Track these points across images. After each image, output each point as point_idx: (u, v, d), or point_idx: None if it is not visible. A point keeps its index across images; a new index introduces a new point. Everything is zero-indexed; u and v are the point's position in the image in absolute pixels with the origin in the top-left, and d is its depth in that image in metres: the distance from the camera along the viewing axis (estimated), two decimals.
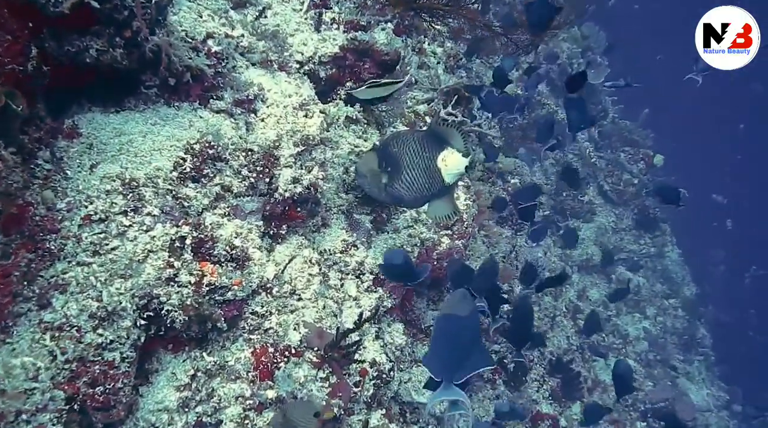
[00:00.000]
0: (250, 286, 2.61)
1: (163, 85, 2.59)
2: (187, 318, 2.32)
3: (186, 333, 2.41)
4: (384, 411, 3.09)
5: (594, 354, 7.61)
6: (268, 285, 2.71)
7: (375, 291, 3.28)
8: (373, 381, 3.03)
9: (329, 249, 3.20)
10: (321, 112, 3.01)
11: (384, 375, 3.08)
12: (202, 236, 2.42)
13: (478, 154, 5.50)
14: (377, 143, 3.33)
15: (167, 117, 2.59)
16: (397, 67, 3.76)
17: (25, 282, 2.10)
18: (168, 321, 2.30)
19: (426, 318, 4.07)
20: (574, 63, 10.86)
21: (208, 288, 2.38)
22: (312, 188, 2.89)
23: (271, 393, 2.50)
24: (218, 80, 2.76)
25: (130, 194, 2.30)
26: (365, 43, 3.59)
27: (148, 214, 2.31)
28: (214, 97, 2.76)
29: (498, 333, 5.34)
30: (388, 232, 3.53)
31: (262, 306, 2.67)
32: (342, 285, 3.18)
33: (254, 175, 2.72)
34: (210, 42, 2.72)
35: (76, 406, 2.05)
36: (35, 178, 2.21)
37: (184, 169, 2.49)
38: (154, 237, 2.29)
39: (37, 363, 1.96)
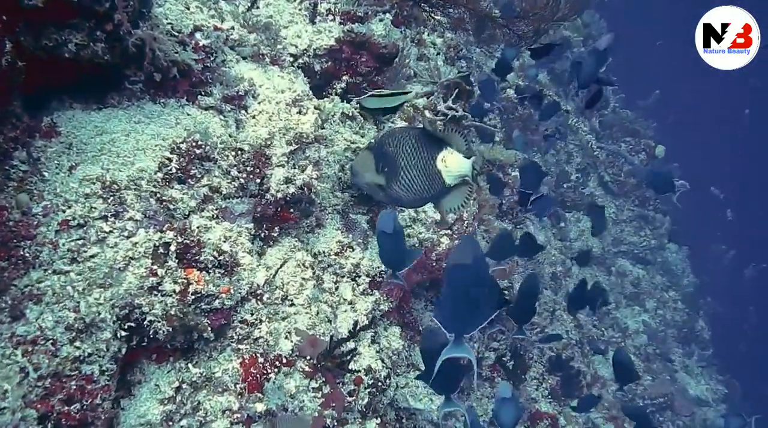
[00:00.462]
0: (239, 293, 2.48)
1: (149, 81, 2.45)
2: (171, 329, 2.19)
3: (170, 343, 2.28)
4: (379, 420, 2.97)
5: (594, 349, 7.51)
6: (259, 292, 2.58)
7: (371, 294, 3.16)
8: (369, 390, 2.91)
9: (324, 251, 3.07)
10: (315, 108, 2.88)
11: (380, 383, 2.96)
12: (188, 241, 2.29)
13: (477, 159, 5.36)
14: (372, 141, 3.19)
15: (152, 114, 2.45)
16: (396, 59, 3.62)
17: None
18: (151, 332, 2.17)
19: (424, 320, 3.95)
20: (576, 51, 10.74)
21: (193, 297, 2.25)
22: (306, 188, 2.76)
23: (260, 406, 2.37)
24: (207, 75, 2.63)
25: (111, 198, 2.17)
26: (362, 36, 3.45)
27: (130, 218, 2.18)
28: (203, 93, 2.63)
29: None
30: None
31: (252, 314, 2.55)
32: (337, 289, 3.06)
33: (244, 175, 2.59)
34: (198, 35, 2.58)
35: (50, 425, 1.92)
36: (10, 180, 2.08)
37: (170, 169, 2.36)
38: (136, 243, 2.16)
39: (3, 385, 1.84)
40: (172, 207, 2.33)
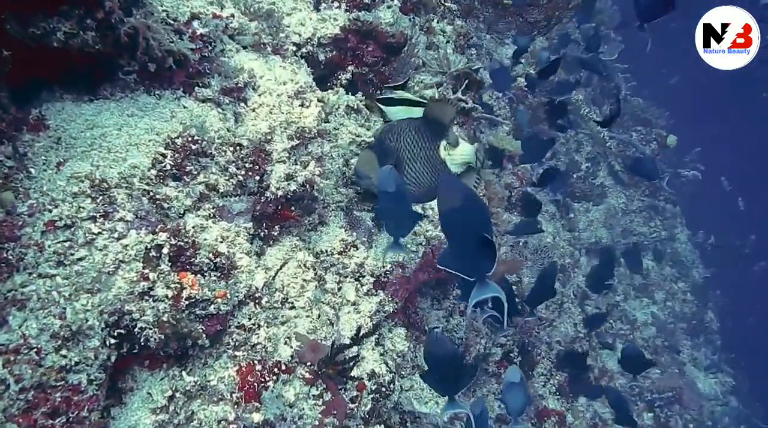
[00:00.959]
0: (237, 297, 2.36)
1: (143, 71, 2.32)
2: (163, 337, 2.08)
3: (163, 350, 2.16)
4: (382, 427, 2.85)
5: (602, 344, 7.41)
6: (257, 295, 2.45)
7: (376, 295, 3.04)
8: (372, 395, 2.80)
9: (326, 250, 2.95)
10: (319, 100, 2.75)
11: (383, 389, 2.85)
12: (182, 243, 2.17)
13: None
14: (372, 139, 3.07)
15: (146, 107, 2.33)
16: (404, 49, 3.48)
17: None
18: (142, 339, 2.05)
19: (430, 319, 3.83)
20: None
21: (187, 303, 2.13)
22: (308, 185, 2.63)
23: (257, 417, 2.26)
24: (204, 66, 2.49)
25: (100, 197, 2.04)
26: (369, 24, 3.31)
27: (121, 219, 2.05)
28: (200, 85, 2.49)
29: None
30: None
31: (250, 319, 2.42)
32: (340, 290, 2.94)
33: (243, 172, 2.47)
34: (195, 23, 2.44)
35: None
36: None
37: (164, 166, 2.23)
38: (127, 246, 2.04)
39: None
40: (166, 206, 2.21)
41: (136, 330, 2.03)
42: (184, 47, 2.36)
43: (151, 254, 2.08)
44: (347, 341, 2.74)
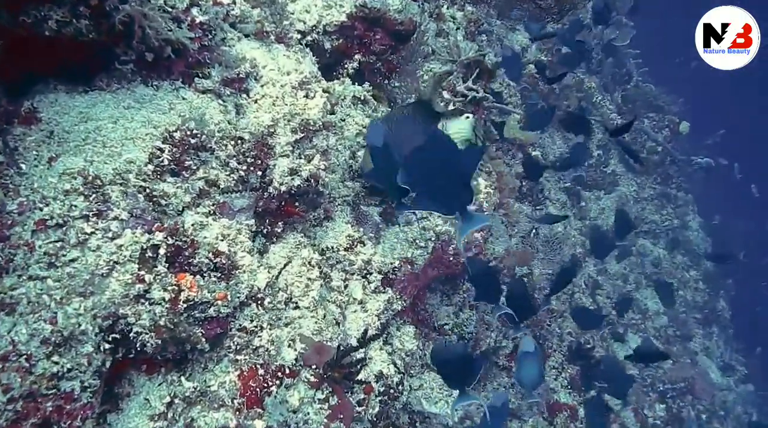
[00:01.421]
0: (238, 298, 2.26)
1: (140, 61, 2.21)
2: (160, 342, 1.98)
3: (161, 354, 2.06)
4: None
5: (613, 335, 7.31)
6: (260, 296, 2.35)
7: (383, 292, 2.94)
8: (380, 398, 2.70)
9: (332, 247, 2.85)
10: (324, 91, 2.64)
11: (392, 390, 2.75)
12: (180, 242, 2.07)
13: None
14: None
15: (143, 98, 2.22)
16: (413, 36, 3.35)
17: None
18: (138, 344, 1.95)
19: (440, 315, 3.73)
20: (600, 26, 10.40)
21: (186, 305, 2.03)
22: (312, 180, 2.52)
23: (259, 424, 2.16)
24: (204, 55, 2.38)
25: (94, 194, 1.94)
26: (376, 11, 3.18)
27: (115, 218, 1.95)
28: (200, 75, 2.38)
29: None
30: (399, 225, 3.16)
31: (252, 321, 2.32)
32: (346, 287, 2.84)
33: (245, 166, 2.36)
34: (194, 11, 2.32)
35: None
36: None
37: (162, 161, 2.13)
38: (122, 246, 1.93)
39: None
40: (163, 203, 2.11)
41: (131, 335, 1.93)
42: (183, 36, 2.25)
43: (147, 255, 1.98)
44: (354, 341, 2.65)
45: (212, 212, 2.26)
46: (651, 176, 10.56)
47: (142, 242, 1.97)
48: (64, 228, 1.89)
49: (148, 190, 2.07)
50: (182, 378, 2.14)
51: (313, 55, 2.90)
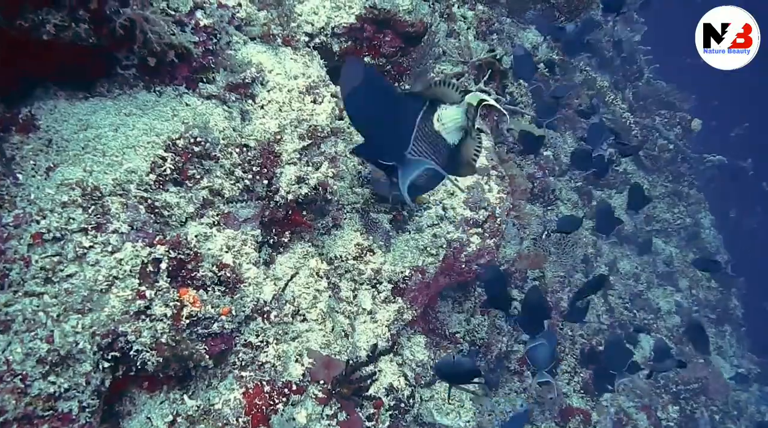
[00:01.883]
0: (243, 312, 2.18)
1: (143, 65, 2.13)
2: (161, 359, 1.90)
3: (163, 371, 1.99)
4: None
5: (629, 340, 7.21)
6: (266, 309, 2.27)
7: (394, 302, 2.86)
8: (390, 412, 2.62)
9: (341, 256, 2.77)
10: (333, 95, 2.55)
11: (402, 404, 2.67)
12: (183, 255, 1.99)
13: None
14: None
15: (146, 105, 2.14)
16: (423, 38, 3.27)
17: None
18: (138, 362, 1.88)
19: (451, 323, 3.65)
20: (610, 20, 10.29)
21: (188, 321, 1.95)
22: (320, 188, 2.44)
23: None
24: (209, 60, 2.29)
25: (93, 206, 1.87)
26: (386, 12, 3.09)
27: (115, 231, 1.87)
28: (204, 80, 2.30)
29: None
30: (410, 232, 3.08)
31: (257, 336, 2.24)
32: (355, 297, 2.76)
33: (250, 175, 2.28)
34: (198, 14, 2.23)
35: None
36: None
37: (164, 170, 2.05)
38: (121, 260, 1.86)
39: None
40: (166, 214, 2.03)
41: (131, 353, 1.86)
42: (186, 40, 2.16)
43: (148, 269, 1.91)
44: (363, 353, 2.57)
45: (216, 223, 2.18)
46: (663, 174, 10.45)
47: (143, 256, 1.90)
48: (61, 242, 1.82)
49: (149, 201, 1.99)
50: (185, 396, 2.07)
51: (322, 58, 2.81)
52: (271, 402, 2.17)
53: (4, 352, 1.69)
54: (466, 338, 3.80)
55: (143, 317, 1.87)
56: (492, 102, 2.38)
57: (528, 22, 5.92)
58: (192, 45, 2.18)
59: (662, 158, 10.35)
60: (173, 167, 2.07)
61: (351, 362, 2.37)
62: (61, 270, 1.80)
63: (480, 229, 3.29)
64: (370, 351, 2.49)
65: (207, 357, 2.02)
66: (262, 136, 2.32)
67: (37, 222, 1.81)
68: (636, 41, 10.81)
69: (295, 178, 2.37)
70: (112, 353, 1.84)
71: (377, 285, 2.85)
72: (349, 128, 2.81)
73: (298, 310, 2.41)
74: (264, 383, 2.19)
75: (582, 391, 5.82)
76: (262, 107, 2.40)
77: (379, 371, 2.64)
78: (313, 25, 3.03)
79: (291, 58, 2.60)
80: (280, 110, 2.40)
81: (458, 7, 4.38)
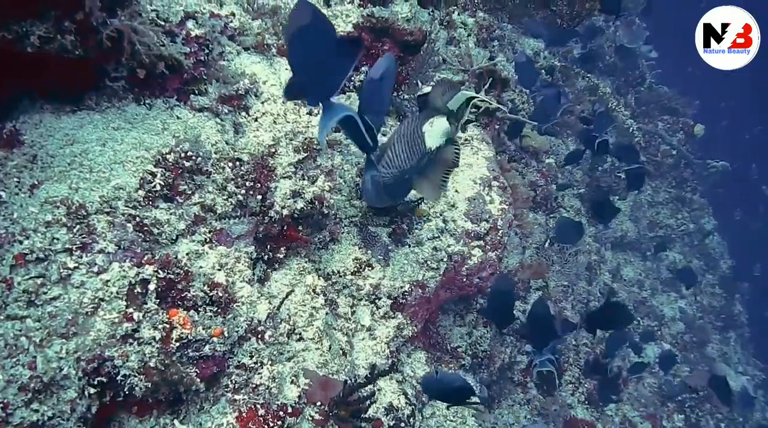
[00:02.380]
0: (237, 332, 2.10)
1: (132, 77, 2.06)
2: (150, 385, 1.82)
3: (152, 396, 1.91)
4: None
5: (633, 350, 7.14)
6: (260, 329, 2.19)
7: (393, 318, 2.78)
8: None
9: (338, 271, 2.69)
10: None
11: (402, 424, 2.59)
12: (173, 275, 1.92)
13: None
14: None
15: (135, 118, 2.06)
16: (423, 47, 3.19)
17: None
18: (126, 388, 1.80)
19: (452, 337, 3.57)
20: (612, 25, 10.24)
21: (178, 344, 1.88)
22: (317, 202, 2.37)
23: None
24: (201, 71, 2.22)
25: (78, 226, 1.79)
26: (384, 20, 3.02)
27: (101, 250, 1.80)
28: (196, 92, 2.23)
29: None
30: (409, 245, 3.00)
31: (251, 357, 2.16)
32: (353, 314, 2.68)
33: (243, 190, 2.21)
34: (189, 24, 2.17)
35: None
36: None
37: (154, 186, 1.97)
38: (108, 281, 1.79)
39: None
40: (156, 231, 1.95)
41: (119, 377, 1.79)
42: (176, 51, 2.10)
43: (135, 290, 1.83)
44: (362, 370, 2.49)
45: (209, 240, 2.11)
46: (666, 179, 10.39)
47: (131, 277, 1.82)
48: (45, 263, 1.74)
49: (138, 219, 1.91)
50: (176, 421, 1.99)
51: None
52: (266, 426, 2.09)
53: None
54: (468, 352, 3.72)
55: (131, 340, 1.80)
56: (481, 98, 2.33)
57: (529, 33, 5.85)
58: (182, 56, 2.11)
59: (665, 164, 10.28)
60: (163, 183, 2.00)
61: (349, 382, 2.29)
62: (45, 293, 1.72)
63: (481, 242, 3.20)
64: (369, 371, 2.41)
65: (198, 380, 1.94)
66: (256, 150, 2.25)
67: (20, 242, 1.73)
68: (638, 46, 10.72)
69: (290, 192, 2.29)
70: (99, 378, 1.76)
71: (376, 301, 2.77)
72: (346, 140, 2.74)
73: (294, 329, 2.33)
74: (258, 406, 2.11)
75: (586, 402, 5.74)
76: (255, 119, 2.34)
77: (378, 390, 2.57)
78: None
79: (286, 69, 2.53)
80: (275, 122, 2.33)
81: (458, 14, 4.31)
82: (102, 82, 2.05)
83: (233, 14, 2.43)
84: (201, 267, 2.03)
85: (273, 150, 2.28)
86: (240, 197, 2.20)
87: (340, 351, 2.45)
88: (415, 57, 3.26)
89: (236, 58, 2.42)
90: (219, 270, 2.07)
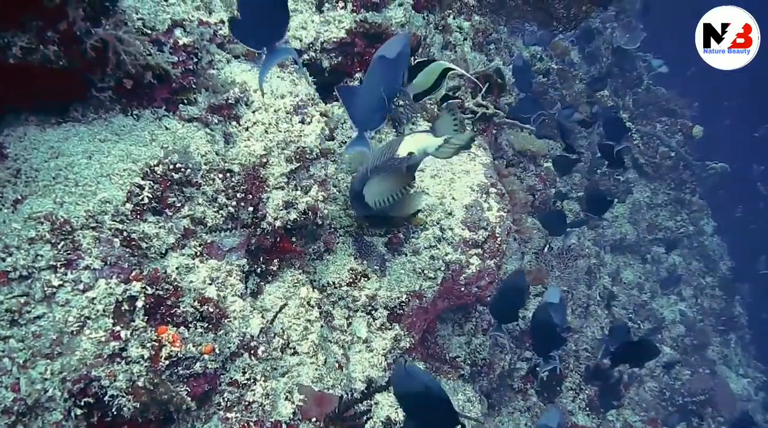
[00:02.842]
0: (229, 348, 2.05)
1: (119, 87, 2.01)
2: (138, 405, 1.77)
3: (141, 416, 1.85)
4: None
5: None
6: (253, 344, 2.14)
7: (390, 329, 2.73)
8: None
9: (333, 282, 2.65)
10: (322, 114, 2.43)
11: None
12: (162, 291, 1.86)
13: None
14: None
15: (122, 130, 2.01)
16: (417, 52, 3.14)
17: None
18: (114, 408, 1.75)
19: (451, 346, 3.51)
20: (608, 27, 10.23)
21: (168, 362, 1.82)
22: (310, 213, 2.32)
23: None
24: (190, 80, 2.17)
25: (62, 242, 1.74)
26: (377, 26, 2.98)
27: (86, 267, 1.75)
28: (185, 102, 2.17)
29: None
30: (406, 255, 2.94)
31: (244, 373, 2.10)
32: (349, 326, 2.63)
33: (234, 202, 2.16)
34: (177, 32, 2.11)
35: None
36: None
37: (141, 199, 1.92)
38: (94, 299, 1.73)
39: None
40: (144, 245, 1.90)
41: (106, 398, 1.73)
42: (164, 60, 2.04)
43: (123, 307, 1.78)
44: (359, 383, 2.44)
45: (199, 253, 2.05)
46: (665, 181, 10.36)
47: (118, 293, 1.77)
48: (29, 281, 1.69)
49: (125, 233, 1.86)
50: None
51: (311, 75, 2.69)
52: None
53: None
54: (467, 360, 3.66)
55: (118, 359, 1.75)
56: (457, 70, 2.30)
57: (526, 34, 5.81)
58: (170, 65, 2.05)
59: (664, 166, 10.25)
60: (151, 195, 1.94)
61: (345, 397, 2.24)
62: (29, 312, 1.67)
63: (480, 250, 3.14)
64: (366, 387, 2.36)
65: (189, 399, 1.89)
66: (247, 160, 2.20)
67: (3, 259, 1.68)
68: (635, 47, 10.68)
69: (283, 203, 2.24)
70: (85, 399, 1.71)
71: (372, 312, 2.72)
72: (340, 148, 2.69)
73: (288, 343, 2.28)
74: (251, 424, 2.05)
75: (587, 409, 5.69)
76: (246, 129, 2.28)
77: (375, 403, 2.51)
78: (301, 40, 2.91)
79: (278, 76, 2.48)
80: (266, 132, 2.28)
81: (454, 18, 4.27)
82: (88, 93, 1.99)
83: (223, 22, 2.38)
84: (191, 281, 1.98)
85: (265, 160, 2.23)
86: (231, 209, 2.15)
87: (336, 365, 2.40)
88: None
89: (226, 66, 2.36)
90: (210, 284, 2.02)
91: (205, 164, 2.10)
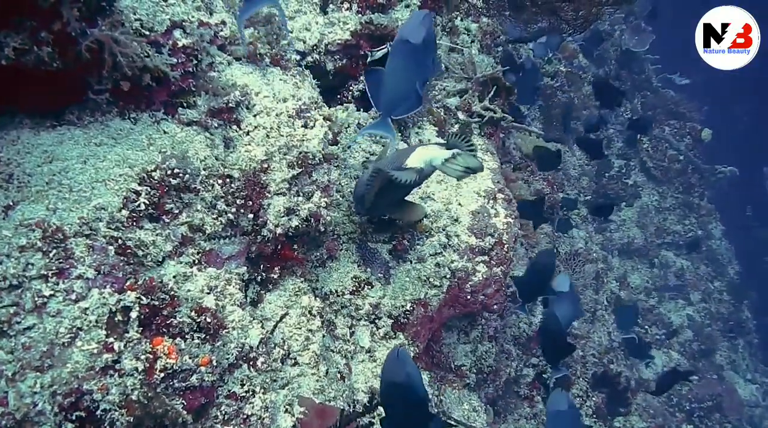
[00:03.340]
0: (227, 359, 1.98)
1: (116, 90, 1.95)
2: (132, 419, 1.71)
3: None
4: None
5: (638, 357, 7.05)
6: (252, 355, 2.07)
7: (394, 338, 2.67)
8: None
9: (336, 291, 2.59)
10: (325, 118, 2.37)
11: None
12: (157, 301, 1.80)
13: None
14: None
15: (119, 134, 1.95)
16: None
17: None
18: (106, 423, 1.69)
19: (456, 354, 3.45)
20: (617, 30, 10.17)
21: (163, 375, 1.76)
22: (312, 220, 2.26)
23: None
24: (189, 83, 2.11)
25: (54, 250, 1.68)
26: (383, 27, 2.92)
27: (79, 276, 1.69)
28: (184, 105, 2.12)
29: None
30: (411, 262, 2.88)
31: (243, 385, 2.04)
32: (352, 335, 2.57)
33: (234, 208, 2.10)
34: (176, 33, 2.05)
35: None
36: None
37: (138, 205, 1.87)
38: (86, 309, 1.68)
39: None
40: (140, 253, 1.84)
41: (98, 412, 1.67)
42: (162, 62, 1.98)
43: (116, 318, 1.72)
44: (362, 395, 2.38)
45: (197, 261, 2.00)
46: (673, 185, 10.30)
47: (111, 304, 1.71)
48: (19, 291, 1.64)
49: (120, 241, 1.80)
50: None
51: (314, 78, 2.63)
52: None
53: None
54: (473, 368, 3.60)
55: (111, 372, 1.69)
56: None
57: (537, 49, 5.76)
58: (169, 67, 1.99)
59: (672, 169, 10.18)
60: (148, 202, 1.89)
61: (346, 411, 2.17)
62: (18, 323, 1.62)
63: (486, 257, 3.07)
64: (368, 399, 2.30)
65: (185, 412, 1.83)
66: (248, 165, 2.14)
67: None
68: (644, 50, 10.62)
69: (284, 209, 2.18)
70: (77, 413, 1.65)
71: (376, 321, 2.66)
72: (343, 154, 2.63)
73: (289, 353, 2.22)
74: None
75: (594, 415, 5.62)
76: (247, 133, 2.23)
77: (378, 415, 2.45)
78: (305, 42, 2.86)
79: (280, 79, 2.42)
80: (268, 136, 2.22)
81: (461, 20, 4.20)
82: (84, 95, 1.94)
83: (224, 23, 2.32)
84: (189, 290, 1.92)
85: (266, 165, 2.17)
86: (231, 216, 2.09)
87: (338, 375, 2.34)
88: None
89: (227, 68, 2.31)
90: (208, 293, 1.96)
91: (204, 169, 2.05)
